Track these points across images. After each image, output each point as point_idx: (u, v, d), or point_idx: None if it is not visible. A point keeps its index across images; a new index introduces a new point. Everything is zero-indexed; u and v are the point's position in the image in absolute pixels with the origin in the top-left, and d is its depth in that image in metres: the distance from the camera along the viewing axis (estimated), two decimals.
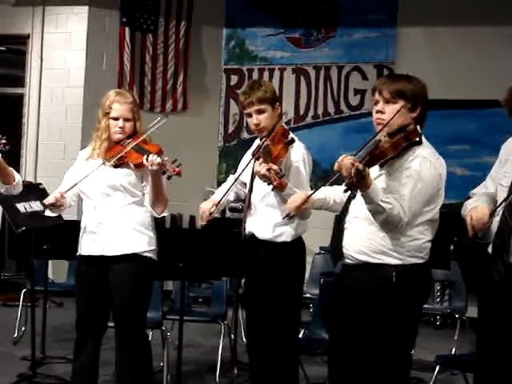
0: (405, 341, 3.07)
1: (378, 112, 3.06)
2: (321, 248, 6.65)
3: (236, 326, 5.37)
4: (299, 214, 3.38)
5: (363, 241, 3.03)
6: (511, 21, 7.26)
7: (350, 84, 8.06)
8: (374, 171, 2.98)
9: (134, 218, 3.72)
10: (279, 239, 3.70)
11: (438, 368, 4.21)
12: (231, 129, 8.49)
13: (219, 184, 4.06)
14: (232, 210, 7.20)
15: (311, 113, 8.18)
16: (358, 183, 2.81)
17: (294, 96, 8.21)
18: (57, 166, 7.10)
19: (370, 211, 2.93)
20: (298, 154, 3.71)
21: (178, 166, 3.51)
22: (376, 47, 7.92)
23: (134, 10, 7.96)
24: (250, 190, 3.79)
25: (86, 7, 7.78)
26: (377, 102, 3.07)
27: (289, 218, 3.37)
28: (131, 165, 3.68)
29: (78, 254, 3.85)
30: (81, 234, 3.81)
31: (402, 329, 3.02)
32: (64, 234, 4.46)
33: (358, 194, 2.95)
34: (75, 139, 7.48)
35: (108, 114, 3.74)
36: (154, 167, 3.51)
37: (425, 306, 3.26)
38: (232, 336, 5.30)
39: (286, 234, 3.71)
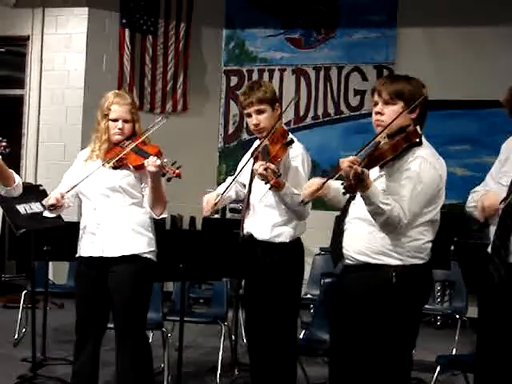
0: (405, 341, 3.07)
1: (377, 113, 3.05)
2: (321, 249, 6.65)
3: (236, 326, 5.37)
4: (312, 198, 3.17)
5: (363, 241, 3.02)
6: (511, 21, 7.26)
7: (350, 85, 8.06)
8: (373, 172, 2.97)
9: (134, 219, 3.72)
10: (277, 240, 3.70)
11: (438, 368, 4.22)
12: (231, 130, 8.50)
13: (219, 185, 4.06)
14: (232, 210, 7.21)
15: (311, 113, 8.17)
16: (356, 186, 2.80)
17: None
18: (57, 167, 7.10)
19: (369, 213, 2.93)
20: (298, 155, 3.71)
21: (177, 168, 3.51)
22: (376, 48, 7.92)
23: (133, 11, 7.95)
24: (249, 191, 3.79)
25: (86, 9, 7.78)
26: (376, 104, 3.06)
27: (304, 203, 3.25)
28: (130, 166, 3.68)
29: (77, 255, 3.85)
30: (80, 236, 3.81)
31: (403, 329, 3.02)
32: (64, 236, 4.47)
33: (358, 194, 2.94)
34: (75, 140, 7.48)
35: (107, 115, 3.74)
36: (154, 169, 3.51)
37: (425, 306, 3.26)
38: (232, 337, 5.30)
39: (284, 234, 3.71)
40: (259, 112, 3.71)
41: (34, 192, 4.95)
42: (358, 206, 3.02)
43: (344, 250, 3.09)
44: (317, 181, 3.14)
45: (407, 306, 3.01)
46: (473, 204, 3.25)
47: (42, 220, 4.41)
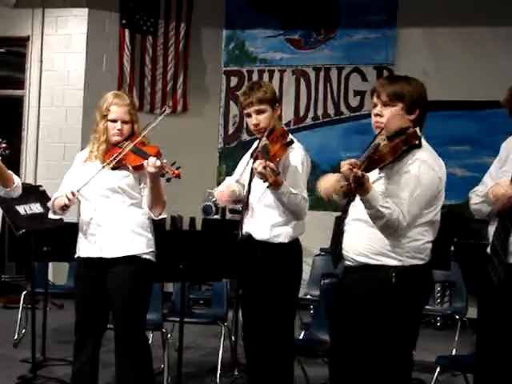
0: (406, 342, 3.07)
1: (376, 115, 3.04)
2: (321, 249, 6.65)
3: (236, 327, 5.36)
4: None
5: (362, 243, 3.02)
6: (511, 21, 7.26)
7: (350, 85, 8.05)
8: (373, 174, 2.96)
9: (133, 219, 3.71)
10: (276, 240, 3.70)
11: (438, 369, 4.22)
12: (231, 130, 8.49)
13: (219, 185, 4.05)
14: (232, 211, 7.20)
15: (311, 114, 8.17)
16: (356, 189, 2.79)
17: (293, 97, 8.20)
18: (57, 168, 7.11)
19: (369, 216, 2.92)
20: (297, 155, 3.71)
21: (177, 169, 3.51)
22: (376, 48, 7.91)
23: (133, 11, 7.95)
24: (248, 191, 3.79)
25: (86, 9, 7.77)
26: (375, 105, 3.05)
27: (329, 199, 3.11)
28: (129, 167, 3.68)
29: (76, 255, 3.84)
30: (79, 236, 3.81)
31: (403, 330, 3.02)
32: (64, 236, 4.46)
33: (357, 197, 2.94)
34: (75, 141, 7.48)
35: (106, 116, 3.73)
36: (153, 170, 3.51)
37: (425, 306, 3.26)
38: (232, 337, 5.29)
39: (283, 235, 3.70)
40: (259, 112, 3.71)
41: (33, 193, 4.96)
42: (357, 208, 3.01)
43: (343, 251, 3.08)
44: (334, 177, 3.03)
45: (407, 306, 3.01)
46: (478, 200, 3.24)
47: (41, 220, 4.41)
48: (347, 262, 3.10)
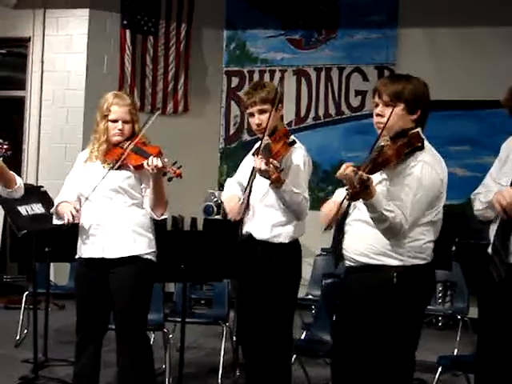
0: (408, 342, 3.07)
1: (378, 115, 3.04)
2: (322, 249, 6.65)
3: None
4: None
5: (363, 243, 3.02)
6: (511, 21, 7.26)
7: (351, 85, 8.05)
8: (375, 176, 2.95)
9: (134, 220, 3.72)
10: (276, 240, 3.71)
11: (440, 369, 4.21)
12: (232, 131, 8.49)
13: (220, 186, 4.06)
14: None
15: (312, 114, 8.17)
16: (360, 193, 2.78)
17: (294, 97, 8.21)
18: (58, 168, 7.11)
19: (372, 219, 2.91)
20: (299, 155, 3.71)
21: (178, 168, 3.52)
22: (376, 48, 7.91)
23: (134, 12, 7.96)
24: (249, 191, 3.79)
25: (87, 10, 7.78)
26: (377, 105, 3.05)
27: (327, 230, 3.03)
28: (131, 167, 3.68)
29: (77, 256, 3.85)
30: (80, 236, 3.81)
31: (405, 330, 3.02)
32: (65, 237, 4.45)
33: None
34: (76, 141, 7.48)
35: (106, 116, 3.74)
36: (155, 169, 3.51)
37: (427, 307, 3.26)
38: (234, 338, 5.29)
39: (283, 235, 3.71)
40: (262, 112, 3.71)
41: (35, 193, 4.96)
42: (358, 209, 3.01)
43: (344, 252, 3.08)
44: (333, 205, 3.06)
45: (409, 306, 3.01)
46: (482, 206, 3.21)
47: (43, 221, 4.41)
48: (348, 263, 3.09)
